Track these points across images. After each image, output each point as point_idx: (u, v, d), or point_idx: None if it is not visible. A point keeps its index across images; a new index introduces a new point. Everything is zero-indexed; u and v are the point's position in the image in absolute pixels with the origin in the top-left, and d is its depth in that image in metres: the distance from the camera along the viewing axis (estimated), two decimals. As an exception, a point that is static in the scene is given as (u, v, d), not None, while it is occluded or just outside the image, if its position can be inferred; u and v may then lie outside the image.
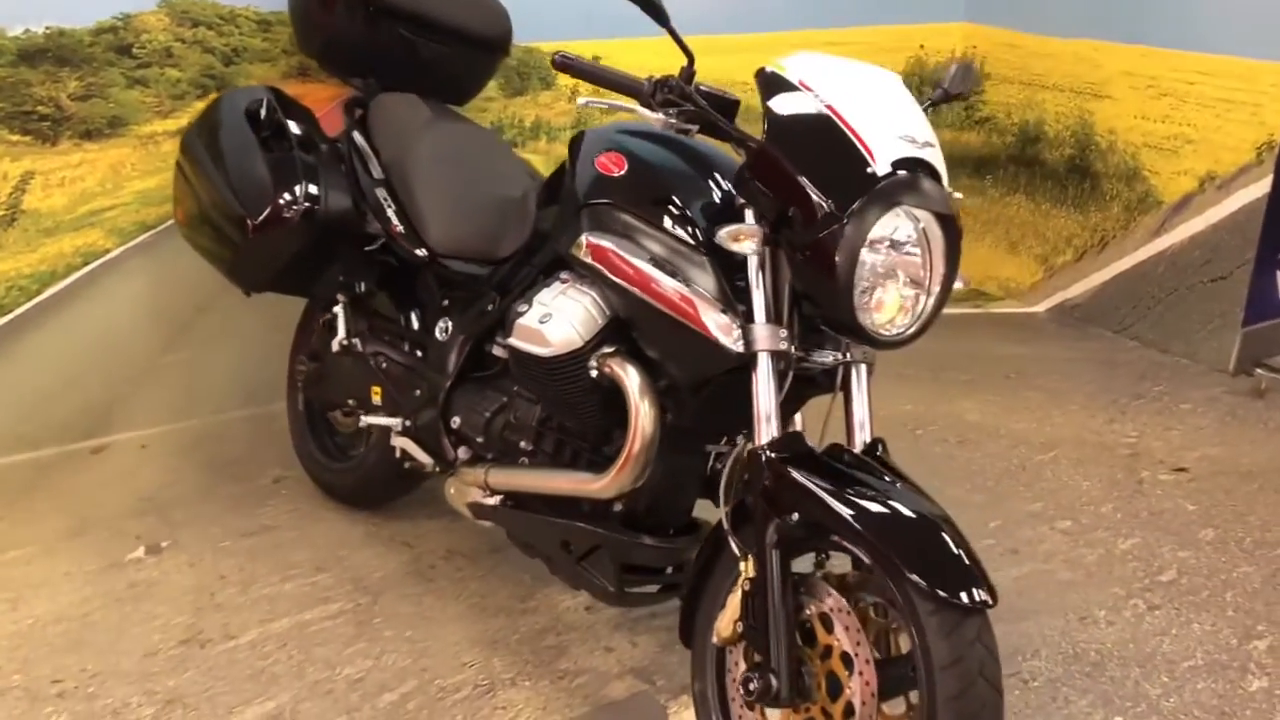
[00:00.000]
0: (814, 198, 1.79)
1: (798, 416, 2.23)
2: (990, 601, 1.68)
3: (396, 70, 3.17)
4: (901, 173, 1.80)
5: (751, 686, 1.82)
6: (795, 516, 1.81)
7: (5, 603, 2.81)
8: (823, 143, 1.83)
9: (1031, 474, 3.56)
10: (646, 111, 1.93)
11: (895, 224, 1.82)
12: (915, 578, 1.66)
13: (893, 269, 1.84)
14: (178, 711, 2.38)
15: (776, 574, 1.83)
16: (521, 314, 2.26)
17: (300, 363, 3.28)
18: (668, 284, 2.00)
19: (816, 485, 1.79)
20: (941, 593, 1.65)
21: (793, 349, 1.92)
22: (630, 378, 2.09)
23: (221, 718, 2.35)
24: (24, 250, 3.65)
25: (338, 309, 2.95)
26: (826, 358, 2.00)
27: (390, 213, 2.80)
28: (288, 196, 2.73)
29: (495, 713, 2.36)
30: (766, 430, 1.89)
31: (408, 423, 2.74)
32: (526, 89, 4.35)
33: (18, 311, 3.79)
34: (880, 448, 1.99)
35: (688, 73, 1.93)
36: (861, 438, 2.00)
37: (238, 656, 2.58)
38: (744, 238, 1.87)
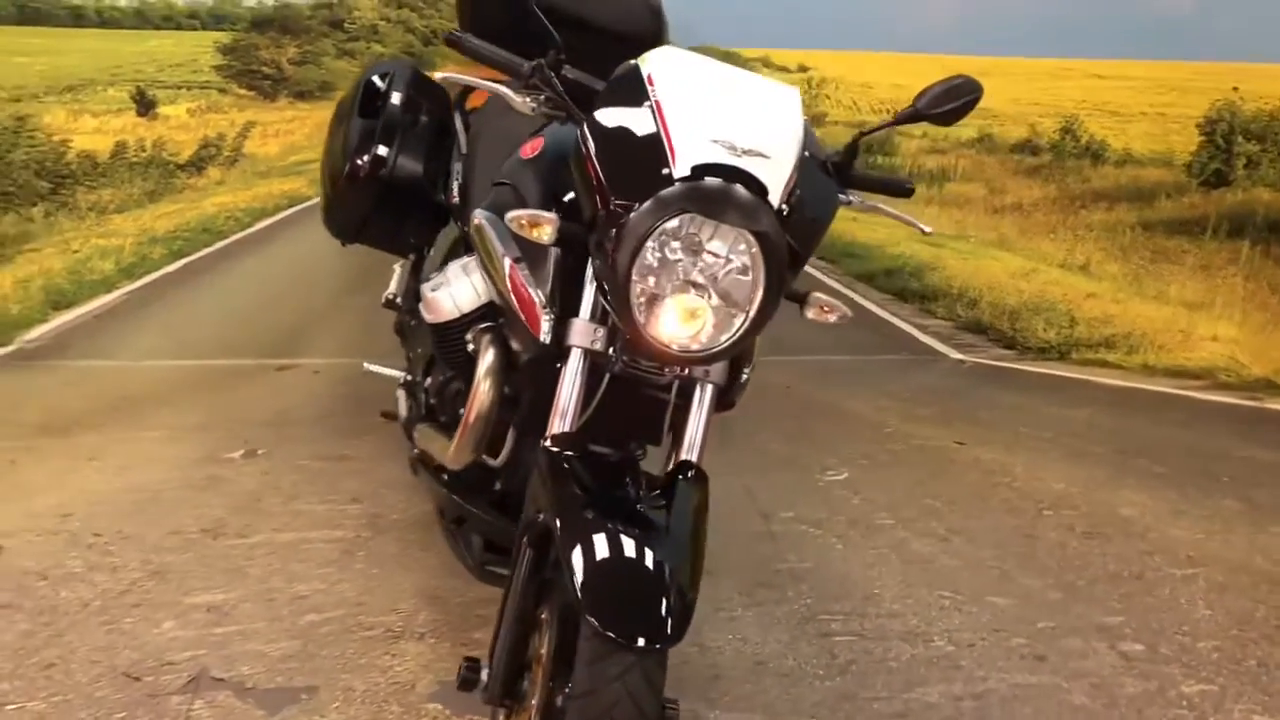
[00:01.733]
0: (606, 193, 1.67)
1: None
2: (655, 646, 1.49)
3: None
4: (710, 180, 1.64)
5: (461, 673, 1.74)
6: (542, 516, 1.71)
7: (115, 468, 3.31)
8: (635, 140, 1.69)
9: (1143, 587, 2.97)
10: (510, 94, 1.89)
11: (681, 230, 1.64)
12: (581, 596, 1.51)
13: (681, 279, 1.66)
14: (152, 582, 2.68)
15: (522, 570, 1.74)
16: (427, 281, 2.29)
17: None
18: (510, 269, 1.95)
19: (560, 489, 1.68)
20: (595, 619, 1.48)
21: (612, 351, 1.80)
22: (484, 355, 2.05)
23: (177, 596, 2.62)
24: (241, 187, 4.26)
25: (397, 265, 3.14)
26: (658, 368, 1.84)
27: (455, 185, 2.93)
28: (364, 157, 2.96)
29: (385, 657, 2.41)
30: (559, 424, 1.79)
31: (408, 377, 2.86)
32: (722, 91, 4.32)
33: (233, 238, 4.41)
34: (690, 473, 1.80)
35: (554, 59, 1.87)
36: (684, 456, 1.83)
37: (231, 552, 2.85)
38: (539, 225, 1.77)
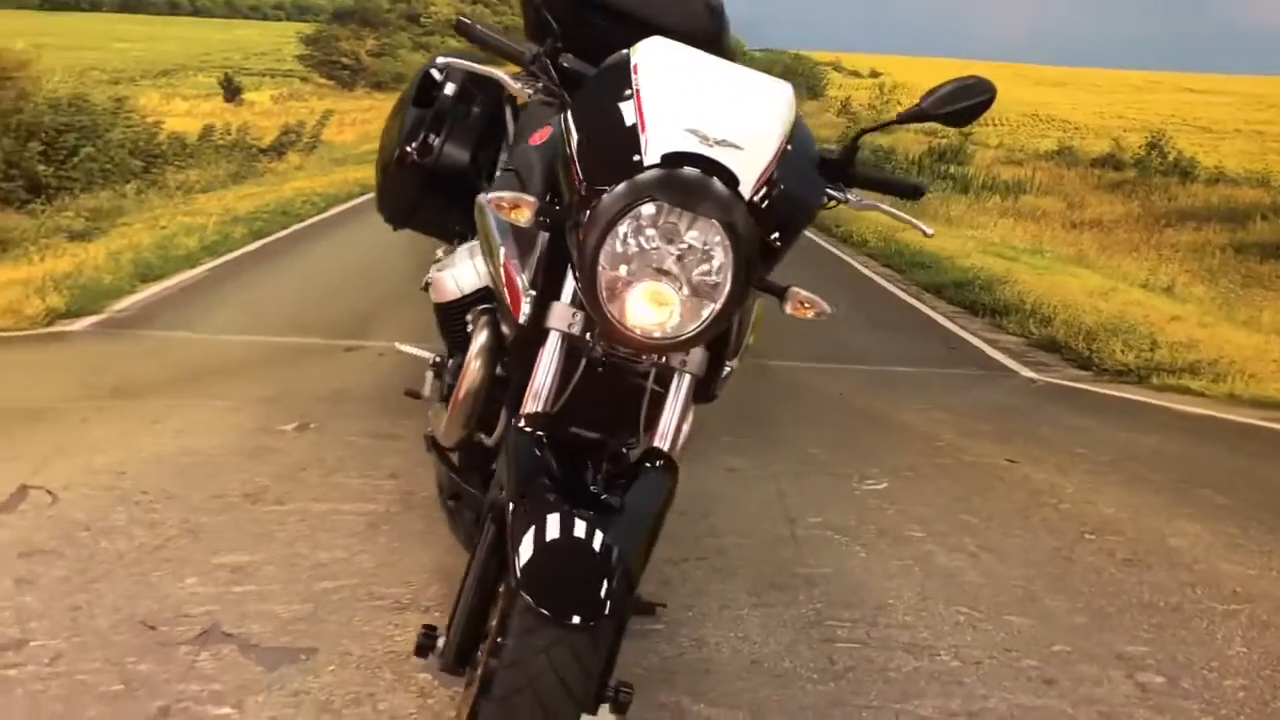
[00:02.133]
0: (580, 177, 1.70)
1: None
2: (584, 623, 1.50)
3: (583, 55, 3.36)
4: (679, 169, 1.65)
5: (419, 639, 1.79)
6: (504, 493, 1.74)
7: (174, 432, 3.49)
8: (613, 126, 1.72)
9: (1177, 619, 2.85)
10: (509, 81, 1.94)
11: (647, 217, 1.66)
12: (520, 570, 1.54)
13: (649, 266, 1.68)
14: (186, 540, 2.82)
15: (485, 544, 1.78)
16: (436, 261, 2.35)
17: None
18: (500, 248, 1.99)
19: (523, 468, 1.71)
20: (527, 593, 1.51)
21: (589, 336, 1.83)
22: (477, 336, 2.10)
23: (206, 555, 2.74)
24: (318, 173, 4.45)
25: (440, 250, 3.22)
26: (636, 354, 1.86)
27: (498, 175, 3.01)
28: (413, 145, 3.05)
29: (388, 627, 2.49)
30: (532, 405, 1.83)
31: (437, 359, 2.94)
32: (788, 94, 4.29)
33: (309, 221, 4.59)
34: (659, 462, 1.81)
35: (551, 47, 1.91)
36: (655, 444, 1.84)
37: (265, 518, 2.97)
38: (518, 207, 1.81)
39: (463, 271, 2.21)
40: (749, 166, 1.70)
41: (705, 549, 2.98)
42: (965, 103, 2.06)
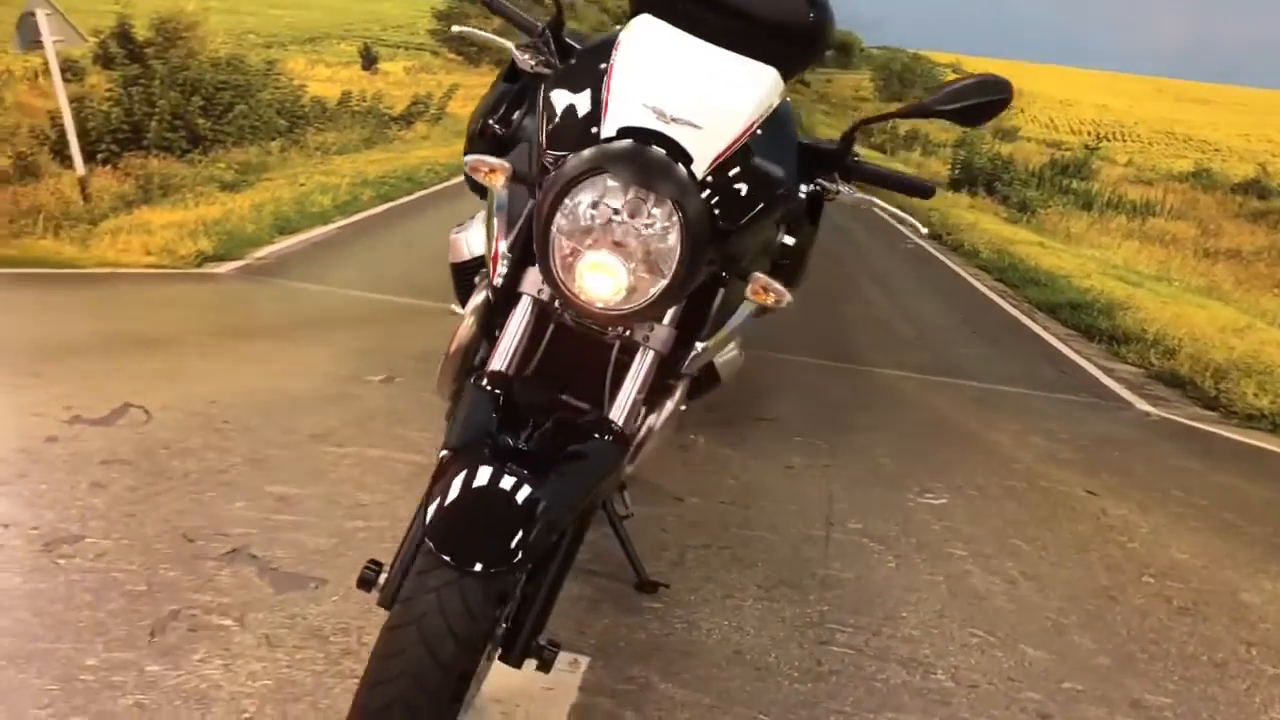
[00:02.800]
0: (544, 147, 1.77)
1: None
2: (486, 571, 1.57)
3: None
4: (630, 142, 1.69)
5: (363, 571, 1.90)
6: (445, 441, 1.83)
7: (272, 372, 3.76)
8: (582, 99, 1.78)
9: (1216, 675, 2.66)
10: (515, 52, 2.02)
11: (597, 189, 1.70)
12: (430, 511, 1.62)
13: (602, 236, 1.72)
14: (247, 468, 3.06)
15: (427, 488, 1.87)
16: (458, 225, 2.45)
17: None
18: (495, 214, 2.06)
19: (469, 421, 1.79)
20: (429, 536, 1.58)
21: (559, 302, 1.89)
22: (475, 295, 2.19)
23: (260, 483, 2.97)
24: (441, 144, 4.67)
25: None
26: (603, 326, 1.92)
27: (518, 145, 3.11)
28: (491, 118, 3.19)
29: (400, 570, 2.64)
30: (497, 363, 1.91)
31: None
32: (907, 95, 4.20)
33: (431, 189, 4.81)
34: (607, 433, 1.86)
35: (555, 20, 1.98)
36: (609, 414, 1.89)
37: (322, 457, 3.18)
38: (494, 172, 1.88)
39: (474, 234, 2.32)
40: (705, 145, 1.72)
41: (732, 538, 3.00)
42: (976, 100, 2.02)
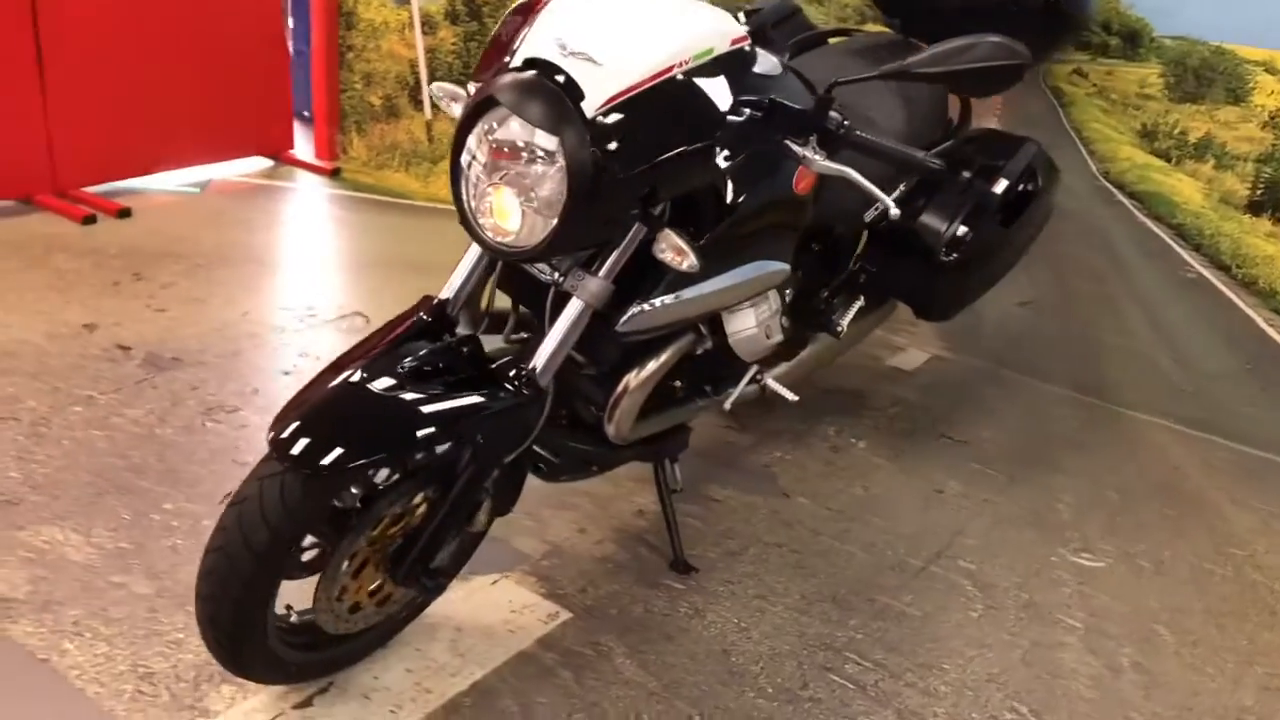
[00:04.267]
0: (477, 83, 1.85)
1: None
2: (304, 467, 1.71)
3: (906, 14, 3.25)
4: (521, 73, 1.73)
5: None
6: None
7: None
8: (516, 27, 1.84)
9: None
10: None
11: (490, 119, 1.75)
12: (284, 406, 1.80)
13: (496, 170, 1.77)
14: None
15: None
16: None
17: None
18: None
19: (383, 339, 1.94)
20: (272, 431, 1.75)
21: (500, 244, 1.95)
22: None
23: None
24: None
25: None
26: (545, 272, 1.98)
27: None
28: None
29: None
30: (444, 292, 2.04)
31: None
32: (1204, 96, 3.56)
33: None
34: (521, 379, 1.91)
35: None
36: (529, 361, 1.94)
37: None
38: (455, 100, 1.95)
39: None
40: (600, 82, 1.71)
41: (810, 546, 2.86)
42: (973, 64, 1.83)
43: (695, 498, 3.00)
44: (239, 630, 1.81)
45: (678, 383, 2.42)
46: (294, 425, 1.75)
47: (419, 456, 1.88)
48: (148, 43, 4.80)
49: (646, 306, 1.99)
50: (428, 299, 2.05)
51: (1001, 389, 3.96)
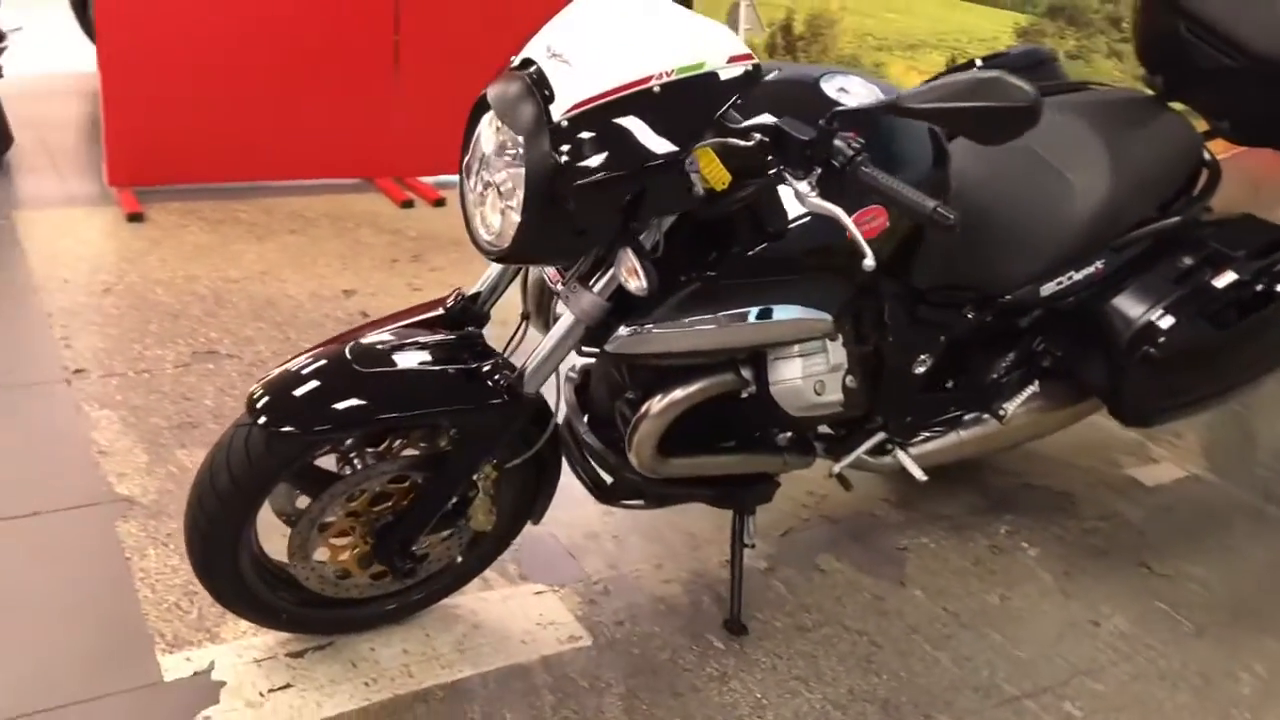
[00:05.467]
0: None
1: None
2: (265, 424, 1.88)
3: (1174, 73, 2.87)
4: (508, 74, 1.79)
5: None
6: None
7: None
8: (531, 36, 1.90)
9: None
10: None
11: (486, 120, 1.81)
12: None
13: (486, 168, 1.82)
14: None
15: None
16: None
17: None
18: None
19: (395, 323, 2.09)
20: (255, 385, 1.95)
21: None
22: None
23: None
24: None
25: None
26: (552, 281, 2.01)
27: None
28: None
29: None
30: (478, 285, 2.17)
31: None
32: None
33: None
34: (498, 374, 1.96)
35: None
36: (520, 363, 2.00)
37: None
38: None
39: None
40: (571, 86, 1.73)
41: (894, 642, 2.59)
42: (974, 104, 1.69)
43: (799, 563, 2.84)
44: (209, 561, 2.04)
45: (726, 429, 2.31)
46: (269, 384, 1.93)
47: (387, 436, 2.01)
48: (492, 49, 5.34)
49: (641, 329, 1.95)
50: (458, 291, 2.15)
51: (1255, 528, 3.30)
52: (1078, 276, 2.60)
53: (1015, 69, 2.99)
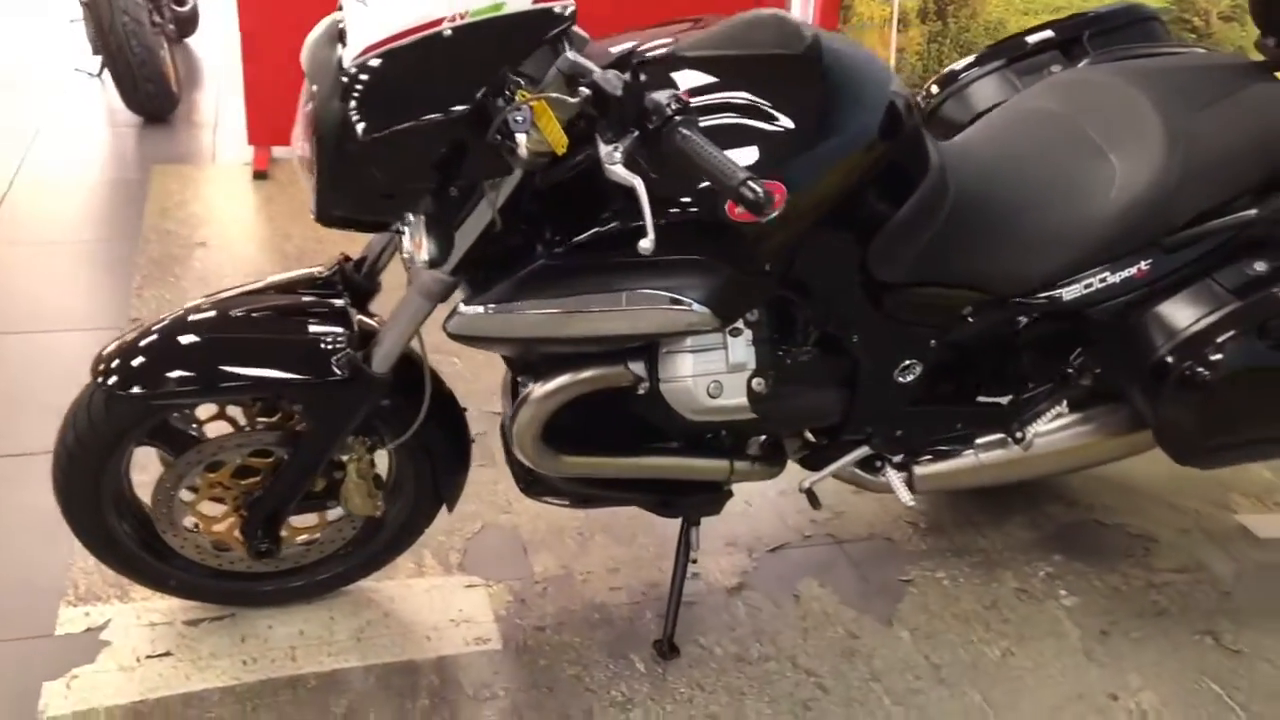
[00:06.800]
0: None
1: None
2: (102, 386, 1.88)
3: None
4: (333, 14, 1.72)
5: None
6: None
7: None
8: None
9: None
10: None
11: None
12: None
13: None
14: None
15: None
16: None
17: None
18: None
19: (268, 287, 2.04)
20: (99, 351, 1.93)
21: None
22: None
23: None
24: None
25: None
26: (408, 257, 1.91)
27: None
28: None
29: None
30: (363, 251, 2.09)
31: None
32: None
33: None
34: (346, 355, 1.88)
35: None
36: (382, 350, 1.92)
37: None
38: None
39: None
40: (362, 29, 1.64)
41: (849, 690, 2.30)
42: (744, 51, 1.50)
43: (774, 584, 2.57)
44: (74, 517, 2.07)
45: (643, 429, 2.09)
46: (118, 345, 1.92)
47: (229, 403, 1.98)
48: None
49: (471, 310, 1.79)
50: (343, 255, 2.07)
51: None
52: (1113, 279, 2.19)
53: (1109, 30, 2.56)
